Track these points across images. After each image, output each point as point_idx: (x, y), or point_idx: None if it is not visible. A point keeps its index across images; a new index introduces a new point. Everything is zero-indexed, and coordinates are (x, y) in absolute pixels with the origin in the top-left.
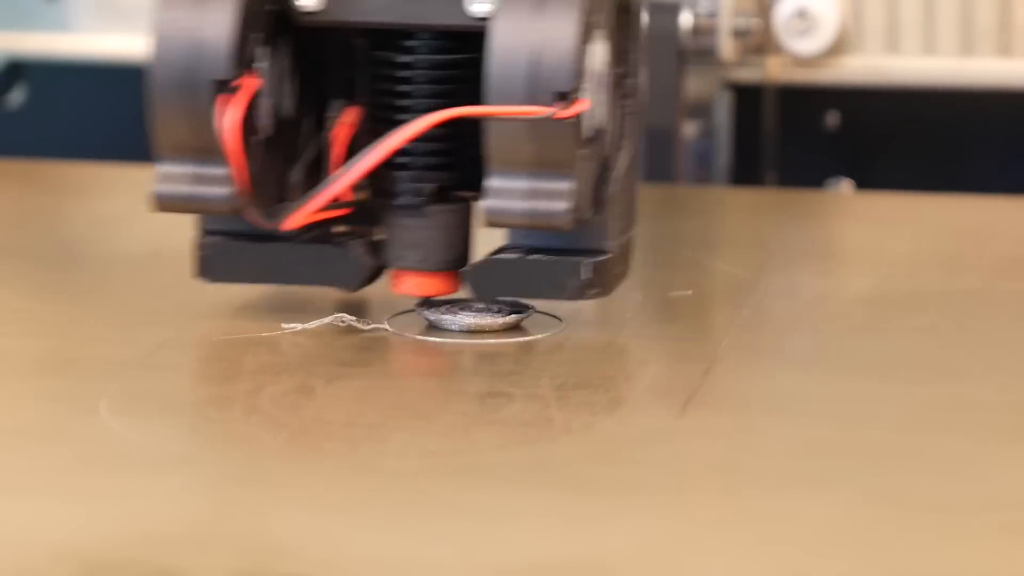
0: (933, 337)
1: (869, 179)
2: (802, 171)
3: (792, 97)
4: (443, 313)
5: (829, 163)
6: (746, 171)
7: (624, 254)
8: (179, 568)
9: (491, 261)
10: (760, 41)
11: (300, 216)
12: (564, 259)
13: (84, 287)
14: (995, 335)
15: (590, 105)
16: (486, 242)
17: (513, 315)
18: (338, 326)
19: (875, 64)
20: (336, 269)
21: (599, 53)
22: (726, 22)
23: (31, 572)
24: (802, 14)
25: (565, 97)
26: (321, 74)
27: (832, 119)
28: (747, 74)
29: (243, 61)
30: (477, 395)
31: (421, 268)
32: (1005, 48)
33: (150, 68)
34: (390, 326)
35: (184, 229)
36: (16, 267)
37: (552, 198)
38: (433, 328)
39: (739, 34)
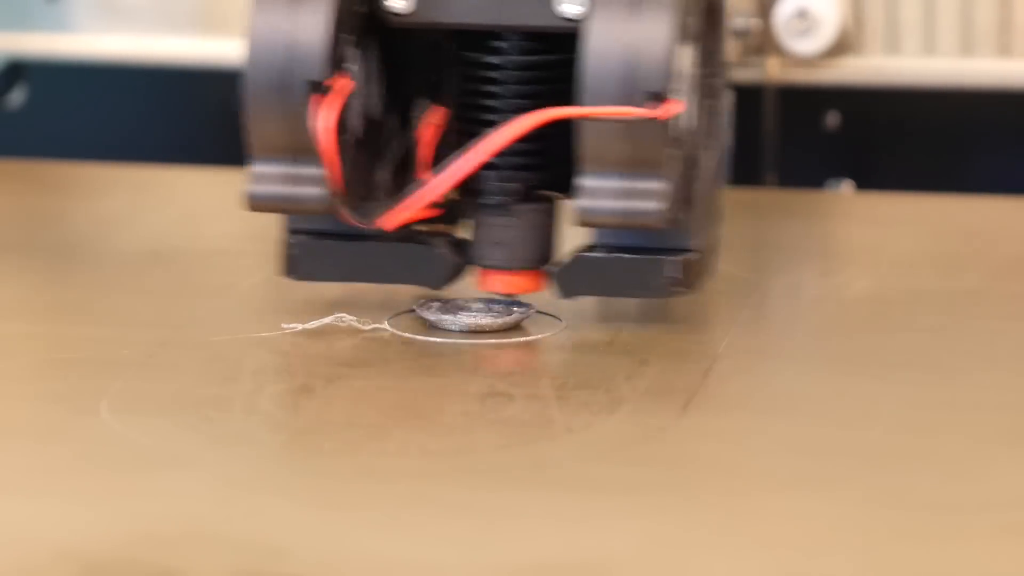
0: (933, 337)
1: (869, 179)
2: (802, 171)
3: (792, 97)
4: (443, 313)
5: (829, 163)
6: (746, 171)
7: (709, 252)
8: (179, 568)
9: (578, 259)
10: (760, 41)
11: (397, 215)
12: (650, 258)
13: (84, 288)
14: (995, 335)
15: (684, 106)
16: (570, 242)
17: (513, 315)
18: (338, 326)
19: (875, 64)
20: (422, 267)
21: (689, 54)
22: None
23: (31, 572)
24: (802, 14)
25: (658, 98)
26: (406, 74)
27: (832, 119)
28: (747, 74)
29: (336, 62)
30: (477, 395)
31: (508, 266)
32: (1005, 48)
33: (244, 70)
34: (390, 326)
35: (183, 230)
36: (16, 267)
37: (645, 198)
38: (433, 328)
39: (739, 34)
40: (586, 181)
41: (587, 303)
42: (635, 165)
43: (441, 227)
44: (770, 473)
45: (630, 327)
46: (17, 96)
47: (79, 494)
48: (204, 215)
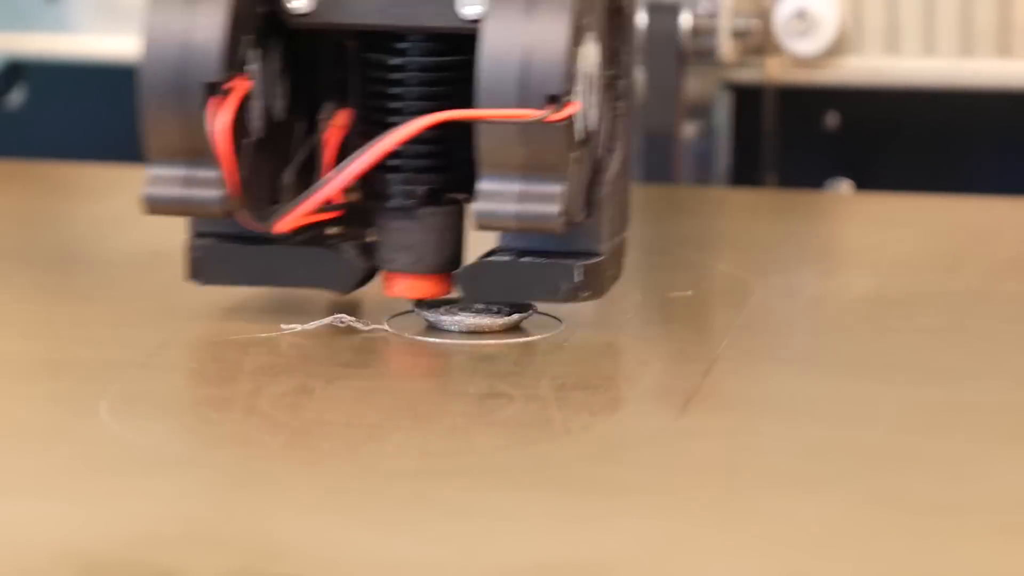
0: (933, 338)
1: (869, 180)
2: (802, 171)
3: (792, 98)
4: (442, 314)
5: (829, 164)
6: (746, 172)
7: (616, 256)
8: (178, 569)
9: (483, 264)
10: (760, 42)
11: (292, 219)
12: (556, 262)
13: (84, 288)
14: (995, 336)
15: (581, 108)
16: (478, 244)
17: (513, 316)
18: (337, 327)
19: (875, 65)
20: (328, 271)
21: (590, 55)
22: (726, 23)
23: (31, 572)
24: (802, 15)
25: (556, 100)
26: (312, 76)
27: (832, 119)
28: (747, 75)
29: (234, 63)
30: (477, 396)
31: (413, 270)
32: (1005, 48)
33: (140, 70)
34: (389, 327)
35: (183, 231)
36: (15, 268)
37: (543, 201)
38: (432, 329)
39: (739, 35)
40: (484, 184)
41: (588, 304)
42: (533, 168)
43: (353, 231)
44: (769, 473)
45: (629, 328)
46: (16, 96)
47: (78, 495)
48: None
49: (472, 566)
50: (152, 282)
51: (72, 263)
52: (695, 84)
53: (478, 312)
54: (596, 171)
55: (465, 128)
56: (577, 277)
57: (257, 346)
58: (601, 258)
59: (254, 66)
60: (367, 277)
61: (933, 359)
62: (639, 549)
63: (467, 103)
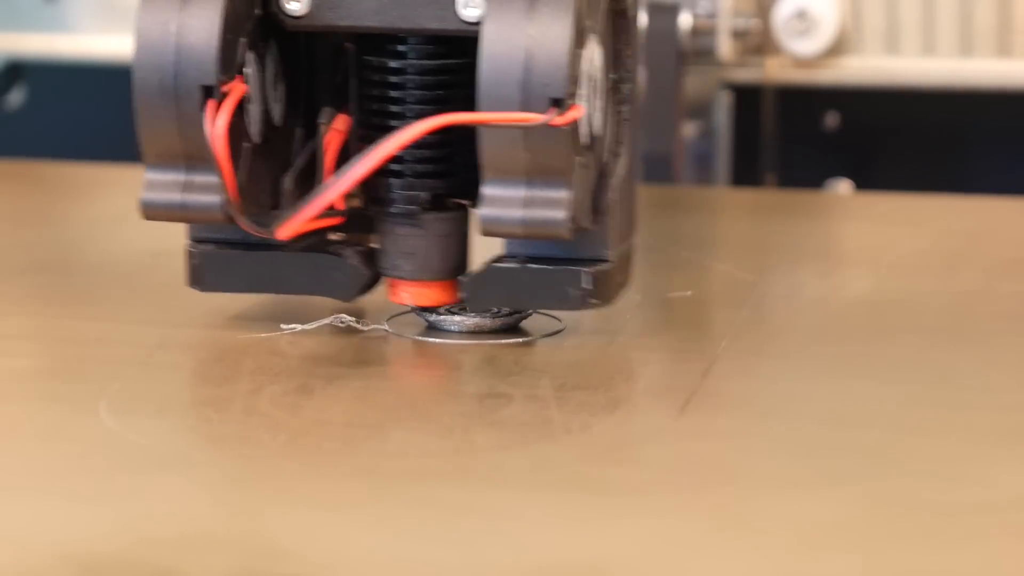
0: (933, 338)
1: (868, 180)
2: (802, 171)
3: (791, 97)
4: (442, 314)
5: (828, 164)
6: (746, 172)
7: (624, 262)
8: (178, 569)
9: (489, 270)
10: (759, 42)
11: (293, 225)
12: (563, 268)
13: (83, 288)
14: (995, 336)
15: (585, 111)
16: (483, 250)
17: (513, 316)
18: (337, 327)
19: (875, 65)
20: (331, 278)
21: (594, 58)
22: (725, 23)
23: (31, 573)
24: (801, 15)
25: (560, 103)
26: (311, 80)
27: (831, 119)
28: (746, 75)
29: (230, 66)
30: (476, 396)
31: (417, 277)
32: (1005, 48)
33: (132, 72)
34: (389, 327)
35: (183, 231)
36: (15, 268)
37: (549, 207)
38: (432, 329)
39: (738, 35)
40: (488, 189)
41: None
42: (538, 173)
43: (356, 237)
44: (769, 474)
45: (629, 328)
46: (16, 96)
47: (78, 495)
48: None
49: (472, 566)
50: (151, 282)
51: (72, 263)
52: (695, 84)
53: (478, 312)
54: (602, 176)
55: (468, 132)
56: (585, 284)
57: (257, 346)
58: (609, 265)
59: (250, 69)
60: (370, 284)
61: (932, 359)
62: (639, 549)
63: (468, 106)
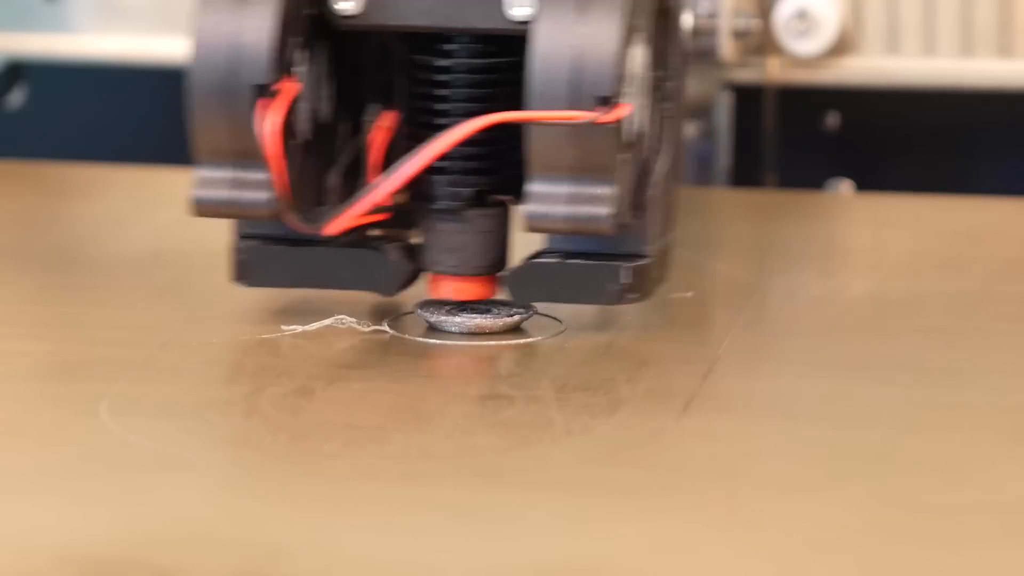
0: (934, 339)
1: (869, 180)
2: (802, 172)
3: (792, 98)
4: (443, 315)
5: (829, 164)
6: (746, 172)
7: (662, 258)
8: (178, 570)
9: (529, 265)
10: (760, 42)
11: (342, 221)
12: (603, 263)
13: (84, 289)
14: (995, 337)
15: (632, 110)
16: (524, 246)
17: (513, 317)
18: (338, 328)
19: (875, 65)
20: (373, 273)
21: (639, 57)
22: (726, 23)
23: (31, 573)
24: (802, 15)
25: (607, 102)
26: (357, 78)
27: (832, 120)
28: (747, 75)
29: (282, 65)
30: (477, 397)
31: (459, 272)
32: (1005, 48)
33: (189, 72)
34: (390, 328)
35: (184, 231)
36: (16, 269)
37: (593, 203)
38: (433, 330)
39: (739, 35)
40: (534, 186)
41: (588, 305)
42: (584, 170)
43: (395, 232)
44: (770, 475)
45: (630, 329)
46: (17, 96)
47: (79, 496)
48: None
49: (472, 567)
50: (152, 283)
51: (72, 264)
52: (695, 84)
53: (478, 313)
54: (643, 172)
55: (511, 130)
56: (624, 279)
57: (258, 347)
58: (648, 260)
59: (302, 68)
60: (411, 279)
61: (933, 359)
62: (639, 550)
63: (513, 105)
